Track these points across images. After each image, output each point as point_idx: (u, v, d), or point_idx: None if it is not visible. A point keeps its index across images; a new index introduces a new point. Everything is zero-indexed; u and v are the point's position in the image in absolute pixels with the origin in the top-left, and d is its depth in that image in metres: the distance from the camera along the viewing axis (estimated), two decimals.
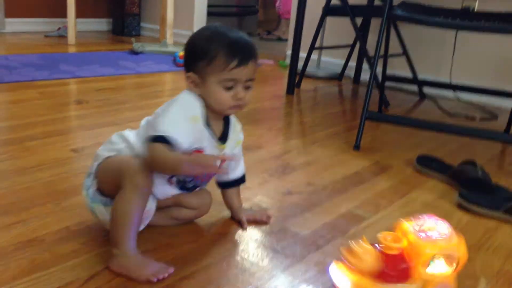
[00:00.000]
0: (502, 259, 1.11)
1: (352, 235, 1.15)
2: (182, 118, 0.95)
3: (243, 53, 0.95)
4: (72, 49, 3.31)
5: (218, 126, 1.03)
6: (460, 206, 1.36)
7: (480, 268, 1.06)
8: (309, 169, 1.56)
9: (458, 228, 1.23)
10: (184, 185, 1.05)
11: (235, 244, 1.08)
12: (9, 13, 3.68)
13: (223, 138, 1.04)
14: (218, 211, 1.21)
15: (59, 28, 3.72)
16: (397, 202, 1.37)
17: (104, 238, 1.02)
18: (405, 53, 2.70)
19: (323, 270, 1.00)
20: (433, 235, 0.89)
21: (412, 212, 1.31)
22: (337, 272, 0.92)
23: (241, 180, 1.17)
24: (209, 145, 1.00)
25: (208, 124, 0.99)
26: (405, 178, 1.55)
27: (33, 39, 3.53)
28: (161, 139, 0.90)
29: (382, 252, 0.89)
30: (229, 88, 0.96)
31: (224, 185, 1.16)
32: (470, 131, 1.86)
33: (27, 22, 3.80)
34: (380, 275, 0.87)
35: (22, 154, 1.45)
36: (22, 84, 2.26)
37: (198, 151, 0.98)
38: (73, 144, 1.58)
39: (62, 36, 3.64)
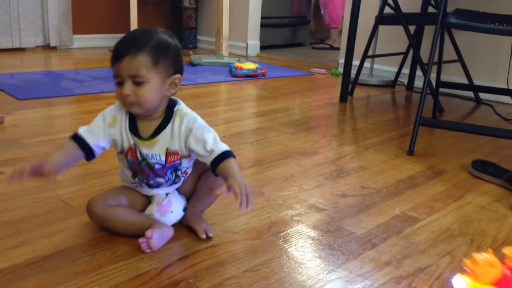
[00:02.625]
0: None
1: (407, 235, 1.20)
2: (100, 122, 1.10)
3: (117, 49, 1.01)
4: None
5: (150, 125, 1.08)
6: None
7: None
8: (363, 173, 1.62)
9: None
10: (147, 183, 1.14)
11: (294, 241, 1.16)
12: (76, 30, 3.94)
13: (153, 134, 1.08)
14: (278, 211, 1.30)
15: None
16: (452, 205, 1.40)
17: (175, 233, 1.12)
18: (460, 59, 2.69)
19: (378, 266, 1.06)
20: None
21: (467, 215, 1.34)
22: (461, 283, 0.91)
23: (222, 156, 1.06)
24: (135, 144, 1.10)
25: (132, 125, 1.09)
26: (460, 182, 1.58)
27: (98, 54, 3.76)
28: (74, 137, 1.09)
29: (507, 265, 0.89)
30: (119, 84, 1.02)
31: (212, 170, 1.08)
32: None
33: (93, 38, 4.05)
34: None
35: (98, 159, 1.59)
36: (92, 96, 2.45)
37: (130, 149, 1.10)
38: None
39: None
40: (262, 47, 4.38)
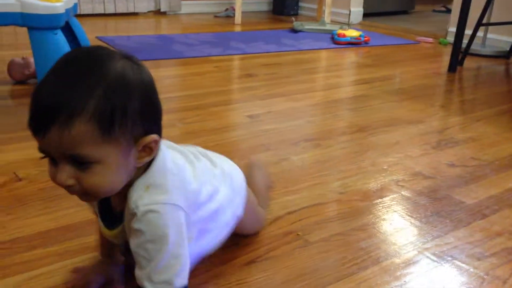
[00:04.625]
0: None
1: None
2: None
3: (34, 112, 0.59)
4: (238, 28, 3.59)
5: (120, 201, 0.70)
6: None
7: None
8: (473, 144, 1.56)
9: None
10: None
11: (400, 206, 1.16)
12: None
13: (118, 219, 0.72)
14: (383, 176, 1.31)
15: (226, 9, 4.05)
16: None
17: (283, 190, 1.17)
18: None
19: (489, 236, 1.04)
20: None
21: None
22: None
23: None
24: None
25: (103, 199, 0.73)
26: None
27: (204, 19, 3.90)
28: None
29: None
30: (52, 162, 0.63)
31: None
32: None
33: (199, 4, 4.19)
34: None
35: (209, 117, 1.69)
36: (200, 59, 2.56)
37: None
38: (249, 111, 1.78)
39: (229, 16, 3.96)
40: (366, 14, 4.27)
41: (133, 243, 0.67)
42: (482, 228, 1.07)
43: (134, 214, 0.65)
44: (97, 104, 0.58)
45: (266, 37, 3.22)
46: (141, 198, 0.65)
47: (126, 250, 0.73)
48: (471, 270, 0.93)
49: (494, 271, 0.93)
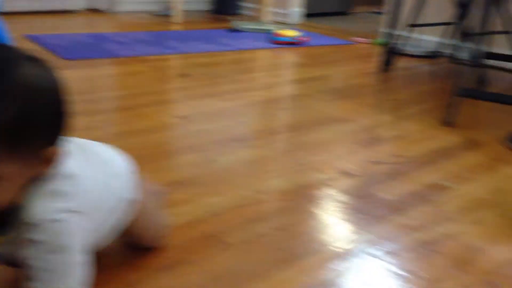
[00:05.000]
0: None
1: (437, 203, 1.21)
2: None
3: None
4: (177, 27, 3.54)
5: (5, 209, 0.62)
6: None
7: None
8: (398, 142, 1.61)
9: None
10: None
11: (323, 204, 1.18)
12: None
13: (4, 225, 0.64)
14: (309, 175, 1.32)
15: (165, 8, 3.98)
16: (485, 176, 1.39)
17: (206, 192, 1.17)
18: (508, 30, 2.58)
19: (407, 231, 1.07)
20: None
21: (500, 186, 1.33)
22: None
23: None
24: None
25: None
26: (496, 154, 1.55)
27: (143, 18, 3.82)
28: None
29: None
30: None
31: None
32: None
33: (138, 2, 4.10)
34: None
35: (138, 118, 1.64)
36: (135, 58, 2.50)
37: None
38: (179, 112, 1.76)
39: (167, 15, 3.90)
40: (310, 15, 4.32)
41: (28, 254, 0.63)
42: (400, 223, 1.11)
43: (31, 224, 0.61)
44: (3, 119, 0.53)
45: (204, 37, 3.19)
46: (40, 207, 0.62)
47: (13, 263, 0.69)
48: (389, 266, 0.95)
49: (411, 266, 0.96)
